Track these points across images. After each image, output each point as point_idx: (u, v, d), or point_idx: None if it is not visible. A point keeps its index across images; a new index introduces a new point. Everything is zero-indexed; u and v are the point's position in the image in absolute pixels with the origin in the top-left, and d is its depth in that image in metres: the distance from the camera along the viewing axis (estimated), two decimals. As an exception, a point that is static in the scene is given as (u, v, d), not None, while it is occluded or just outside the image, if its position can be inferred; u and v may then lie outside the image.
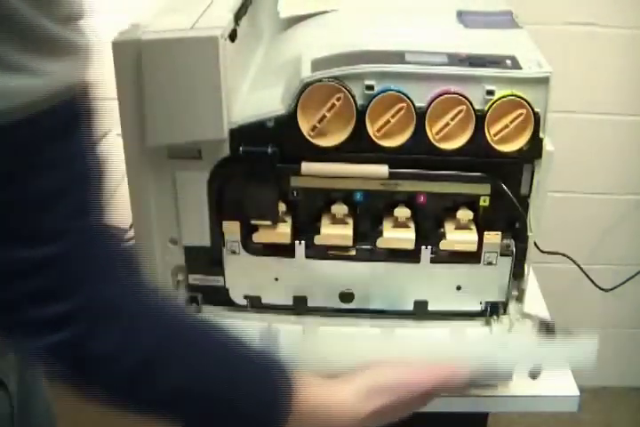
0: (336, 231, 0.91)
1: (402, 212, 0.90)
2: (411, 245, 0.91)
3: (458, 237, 0.91)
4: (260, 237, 0.92)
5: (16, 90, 0.49)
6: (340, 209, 0.90)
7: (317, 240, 0.92)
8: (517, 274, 0.95)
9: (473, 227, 0.91)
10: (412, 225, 0.91)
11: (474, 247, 0.91)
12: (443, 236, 0.91)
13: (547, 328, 0.84)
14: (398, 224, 0.91)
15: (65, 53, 0.52)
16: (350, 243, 0.92)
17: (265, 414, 0.61)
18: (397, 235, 0.91)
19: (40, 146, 0.51)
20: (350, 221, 0.91)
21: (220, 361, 0.62)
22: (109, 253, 0.58)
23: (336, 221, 0.91)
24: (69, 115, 0.53)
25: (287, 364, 0.64)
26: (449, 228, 0.92)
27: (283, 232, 0.91)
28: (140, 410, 0.63)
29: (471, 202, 0.91)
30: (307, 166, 0.86)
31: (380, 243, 0.91)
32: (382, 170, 0.86)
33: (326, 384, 0.65)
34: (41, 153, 0.51)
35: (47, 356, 0.56)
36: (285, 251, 0.93)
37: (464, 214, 0.90)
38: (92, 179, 0.56)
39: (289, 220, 0.91)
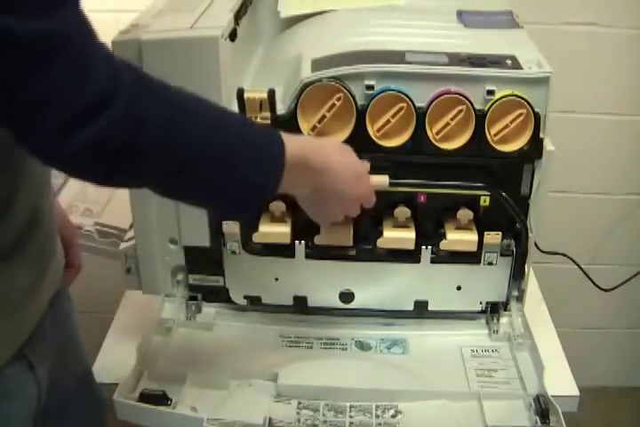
0: (336, 231, 0.91)
1: (402, 212, 0.90)
2: (411, 245, 0.91)
3: (458, 237, 0.91)
4: (260, 238, 0.92)
5: None
6: None
7: (317, 240, 0.92)
8: (517, 274, 0.95)
9: (473, 227, 0.91)
10: (411, 225, 0.91)
11: (474, 247, 0.91)
12: (443, 236, 0.91)
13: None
14: (398, 224, 0.91)
15: None
16: (350, 243, 0.92)
17: (266, 160, 0.68)
18: (397, 235, 0.91)
19: None
20: (350, 221, 0.91)
21: (225, 120, 0.68)
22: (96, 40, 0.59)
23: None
24: None
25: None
26: (449, 228, 0.92)
27: (283, 232, 0.91)
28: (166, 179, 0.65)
29: (471, 202, 0.91)
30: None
31: (381, 243, 0.91)
32: (383, 180, 0.87)
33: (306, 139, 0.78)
34: None
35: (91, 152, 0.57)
36: (285, 251, 0.93)
37: (464, 214, 0.90)
38: None
39: (289, 220, 0.91)
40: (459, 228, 0.91)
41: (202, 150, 0.64)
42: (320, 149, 0.75)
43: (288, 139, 0.70)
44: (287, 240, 0.92)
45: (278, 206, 0.90)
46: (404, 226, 0.91)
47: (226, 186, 0.67)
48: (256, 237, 0.92)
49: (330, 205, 0.79)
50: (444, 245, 0.92)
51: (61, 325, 0.82)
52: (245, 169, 0.67)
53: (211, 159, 0.65)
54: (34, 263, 0.73)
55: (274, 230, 0.91)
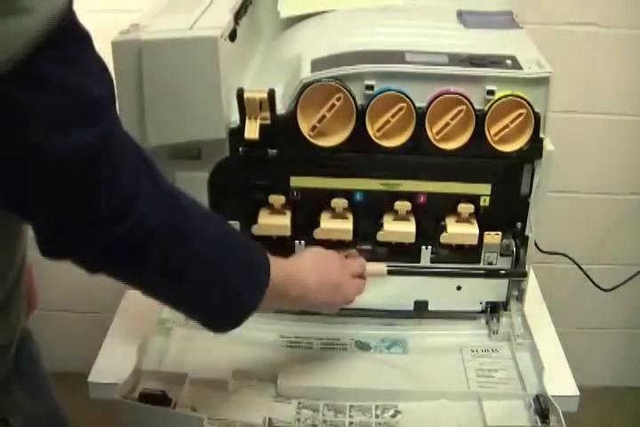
0: (336, 225, 0.91)
1: (402, 205, 0.90)
2: (411, 239, 0.91)
3: (459, 231, 0.91)
4: (259, 230, 0.91)
5: (15, 32, 0.49)
6: (340, 203, 0.90)
7: (317, 234, 0.91)
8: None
9: (474, 221, 0.91)
10: (412, 219, 0.91)
11: (474, 240, 0.91)
12: (444, 229, 0.91)
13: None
14: (399, 217, 0.91)
15: None
16: (350, 237, 0.91)
17: (251, 284, 0.73)
18: (398, 228, 0.91)
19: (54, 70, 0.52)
20: (350, 215, 0.91)
21: (217, 242, 0.71)
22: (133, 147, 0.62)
23: (336, 215, 0.91)
24: (65, 37, 0.53)
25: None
26: (450, 222, 0.91)
27: (282, 224, 0.91)
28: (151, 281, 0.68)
29: (471, 202, 0.90)
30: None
31: (381, 236, 0.91)
32: (380, 269, 0.91)
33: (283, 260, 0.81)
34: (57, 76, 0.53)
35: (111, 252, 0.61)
36: (285, 251, 0.93)
37: (465, 208, 0.90)
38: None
39: (288, 212, 0.91)
40: (459, 221, 0.91)
41: (203, 262, 0.68)
42: (296, 276, 0.79)
43: (272, 265, 0.75)
44: (287, 232, 0.91)
45: (278, 199, 0.90)
46: (404, 219, 0.91)
47: (215, 298, 0.71)
48: (255, 230, 0.91)
49: (305, 308, 0.87)
50: (444, 238, 0.91)
51: (29, 373, 0.82)
52: (236, 286, 0.72)
53: (209, 272, 0.69)
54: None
55: (273, 222, 0.91)
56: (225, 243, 0.72)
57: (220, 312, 0.72)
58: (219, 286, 0.70)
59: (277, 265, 0.76)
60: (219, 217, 0.75)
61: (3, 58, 0.49)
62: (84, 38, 0.55)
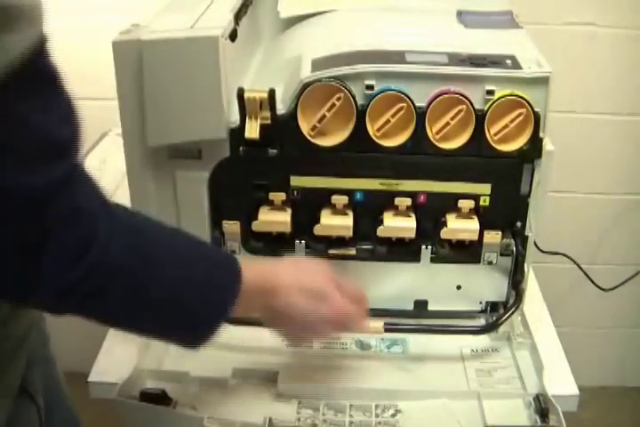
0: (336, 222, 0.91)
1: (403, 200, 0.90)
2: (412, 234, 0.91)
3: (459, 226, 0.91)
4: (259, 226, 0.91)
5: None
6: (340, 200, 0.90)
7: (317, 231, 0.91)
8: (517, 274, 0.95)
9: (474, 216, 0.91)
10: (412, 215, 0.91)
11: (475, 236, 0.91)
12: (444, 225, 0.91)
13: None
14: (399, 213, 0.91)
15: (18, 21, 0.50)
16: (350, 233, 0.91)
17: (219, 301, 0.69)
18: (398, 224, 0.91)
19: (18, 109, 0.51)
20: (350, 212, 0.91)
21: (179, 261, 0.68)
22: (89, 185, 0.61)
23: (336, 211, 0.91)
24: (35, 75, 0.52)
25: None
26: (450, 218, 0.91)
27: (282, 220, 0.91)
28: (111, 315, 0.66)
29: (471, 199, 0.90)
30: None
31: (381, 232, 0.91)
32: (377, 326, 0.90)
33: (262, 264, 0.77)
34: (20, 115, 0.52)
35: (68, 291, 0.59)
36: (285, 250, 0.93)
37: (466, 203, 0.90)
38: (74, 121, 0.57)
39: (289, 209, 0.91)
40: (460, 217, 0.91)
41: (168, 287, 0.66)
42: (271, 281, 0.75)
43: (244, 267, 0.71)
44: (287, 229, 0.91)
45: (278, 196, 0.90)
46: (404, 215, 0.91)
47: (181, 320, 0.69)
48: (256, 226, 0.91)
49: (291, 327, 0.79)
50: (444, 233, 0.91)
51: (41, 347, 0.83)
52: (199, 306, 0.69)
53: (175, 296, 0.67)
54: None
55: (273, 219, 0.91)
56: (189, 262, 0.69)
57: (186, 333, 0.71)
58: (181, 307, 0.68)
59: (251, 273, 0.72)
60: (182, 232, 0.72)
61: None
62: (53, 77, 0.55)
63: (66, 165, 0.56)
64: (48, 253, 0.56)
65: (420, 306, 0.97)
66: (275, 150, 0.87)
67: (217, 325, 0.70)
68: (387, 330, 0.91)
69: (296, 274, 0.77)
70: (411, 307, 0.98)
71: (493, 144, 0.86)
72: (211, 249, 0.79)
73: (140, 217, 0.67)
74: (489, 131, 0.85)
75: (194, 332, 0.70)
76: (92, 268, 0.59)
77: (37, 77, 0.53)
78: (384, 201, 0.90)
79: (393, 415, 0.86)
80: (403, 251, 0.93)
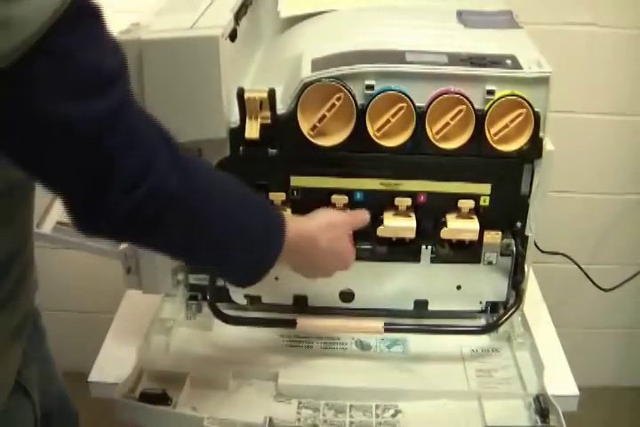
0: None
1: (403, 200, 0.90)
2: (412, 234, 0.91)
3: (459, 226, 0.91)
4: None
5: (34, 10, 0.51)
6: (340, 199, 0.90)
7: None
8: (517, 274, 0.95)
9: (474, 216, 0.91)
10: (412, 215, 0.91)
11: (475, 236, 0.91)
12: (444, 225, 0.91)
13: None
14: (399, 213, 0.91)
15: None
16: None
17: (269, 241, 0.75)
18: (398, 223, 0.91)
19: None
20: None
21: (235, 201, 0.73)
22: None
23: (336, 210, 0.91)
24: (78, 13, 0.55)
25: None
26: (450, 217, 0.91)
27: None
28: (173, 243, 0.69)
29: (471, 199, 0.90)
30: (302, 323, 0.93)
31: (381, 231, 0.91)
32: (378, 326, 0.90)
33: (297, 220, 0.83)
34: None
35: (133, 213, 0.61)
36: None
37: (466, 203, 0.90)
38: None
39: (289, 209, 0.91)
40: (460, 217, 0.91)
41: (224, 221, 0.70)
42: (308, 237, 0.81)
43: (289, 226, 0.77)
44: None
45: (278, 196, 0.90)
46: (404, 215, 0.91)
47: (237, 254, 0.74)
48: None
49: (307, 271, 0.86)
50: (444, 233, 0.91)
51: (38, 344, 0.84)
52: (256, 241, 0.74)
53: (230, 230, 0.71)
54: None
55: None
56: (243, 202, 0.74)
57: (243, 267, 0.75)
58: (240, 242, 0.72)
59: (292, 224, 0.78)
60: (235, 179, 0.75)
61: (24, 35, 0.51)
62: (96, 15, 0.57)
63: (115, 97, 0.58)
64: (109, 177, 0.59)
65: (420, 306, 0.97)
66: (275, 150, 0.87)
67: (271, 259, 0.75)
68: (387, 330, 0.91)
69: (328, 236, 0.83)
70: (411, 307, 0.98)
71: (493, 144, 0.86)
72: (259, 197, 0.83)
73: (199, 160, 0.71)
74: (489, 131, 0.85)
75: (252, 264, 0.75)
76: (151, 192, 0.61)
77: (83, 15, 0.55)
78: (384, 201, 0.90)
79: (393, 416, 0.86)
80: (403, 251, 0.93)
